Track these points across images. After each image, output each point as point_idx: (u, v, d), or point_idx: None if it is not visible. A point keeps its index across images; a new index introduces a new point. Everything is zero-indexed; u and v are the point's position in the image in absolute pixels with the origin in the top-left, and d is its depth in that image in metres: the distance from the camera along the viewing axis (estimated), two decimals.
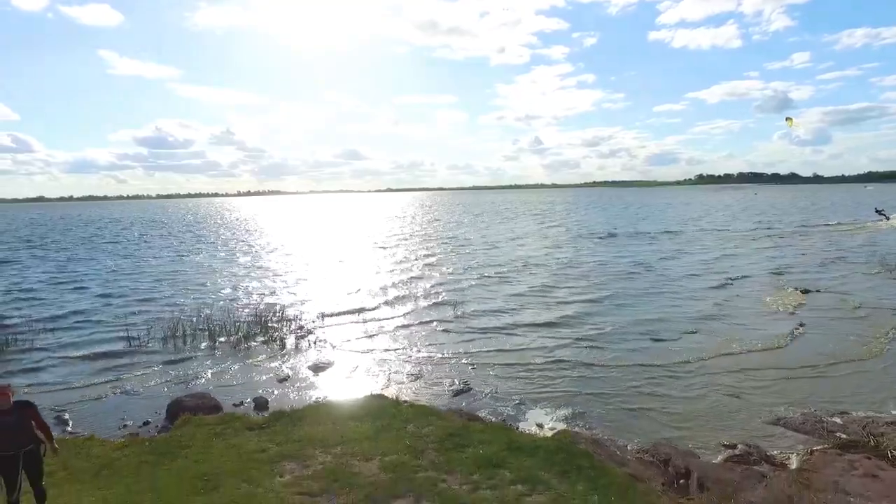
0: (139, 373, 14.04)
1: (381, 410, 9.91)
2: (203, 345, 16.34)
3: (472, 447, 8.37)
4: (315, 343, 16.39)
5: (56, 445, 6.56)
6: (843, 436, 9.64)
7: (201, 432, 9.04)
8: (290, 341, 16.55)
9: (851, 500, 7.30)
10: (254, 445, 8.54)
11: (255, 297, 23.29)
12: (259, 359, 15.02)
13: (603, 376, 12.69)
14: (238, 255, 40.08)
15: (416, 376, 13.25)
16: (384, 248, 42.40)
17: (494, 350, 14.93)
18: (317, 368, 14.02)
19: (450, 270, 28.91)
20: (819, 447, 9.13)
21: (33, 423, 6.22)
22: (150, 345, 16.46)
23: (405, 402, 10.61)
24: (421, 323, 18.21)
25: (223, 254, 40.90)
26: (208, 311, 19.14)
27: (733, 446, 9.35)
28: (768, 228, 50.47)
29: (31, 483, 6.16)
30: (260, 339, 16.74)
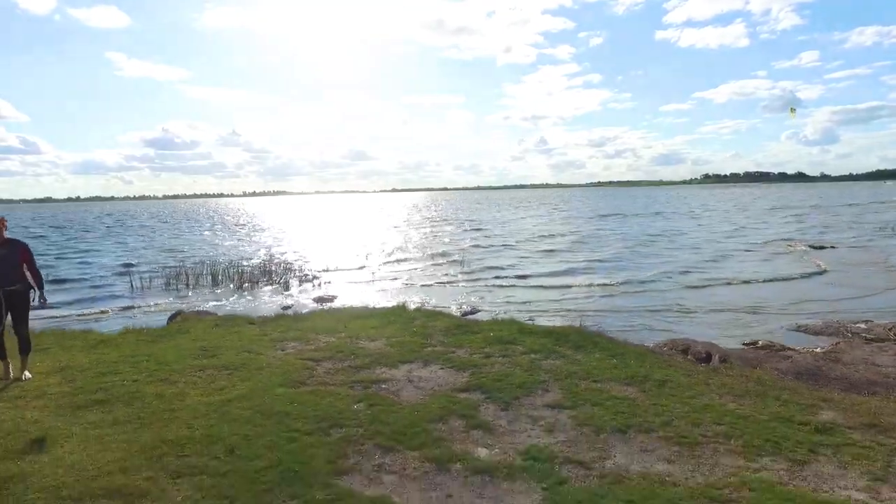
0: (141, 304, 13.82)
1: (387, 311, 9.61)
2: (206, 286, 16.12)
3: (482, 333, 8.04)
4: (320, 285, 16.13)
5: (46, 297, 6.26)
6: (868, 336, 9.24)
7: (202, 324, 8.77)
8: (295, 283, 16.29)
9: (883, 369, 6.92)
10: (256, 332, 8.24)
11: (261, 254, 23.13)
12: (262, 295, 14.76)
13: (622, 307, 12.27)
14: (249, 234, 39.94)
15: (423, 304, 12.94)
16: (409, 228, 41.86)
17: (508, 295, 14.40)
18: (321, 300, 13.72)
19: (466, 240, 28.56)
20: (844, 341, 8.74)
21: (25, 265, 5.95)
22: (153, 285, 16.27)
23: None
24: (431, 272, 17.93)
25: (235, 233, 40.77)
26: (213, 263, 18.89)
27: (754, 342, 8.98)
28: (827, 208, 50.15)
29: (15, 326, 5.86)
30: (263, 281, 16.51)
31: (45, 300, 6.23)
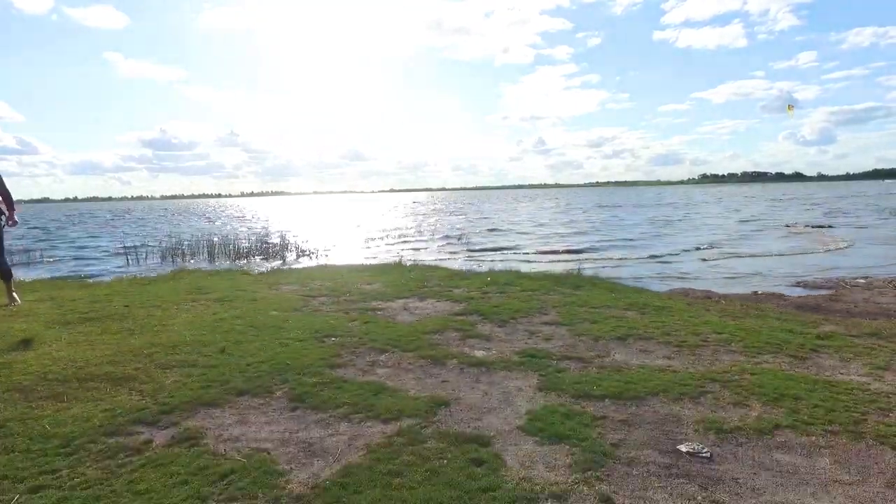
0: (137, 273, 13.70)
1: (384, 265, 9.54)
2: (203, 259, 16.01)
3: (479, 278, 7.97)
4: (317, 257, 16.04)
5: (16, 218, 5.98)
6: (868, 287, 9.17)
7: (198, 272, 8.70)
8: (291, 257, 16.20)
9: (884, 305, 6.85)
10: (251, 279, 8.17)
11: (260, 233, 23.06)
12: (257, 267, 14.63)
13: (628, 275, 12.11)
14: (248, 221, 39.82)
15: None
16: (415, 215, 41.69)
17: (512, 267, 14.13)
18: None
19: (472, 225, 28.46)
20: (845, 289, 8.67)
21: None
22: (150, 261, 16.16)
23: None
24: (435, 250, 17.87)
25: (235, 223, 40.64)
26: (209, 240, 18.76)
27: (755, 292, 8.90)
28: (834, 199, 50.02)
29: None
30: (259, 256, 16.41)
31: (15, 222, 5.93)
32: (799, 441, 2.77)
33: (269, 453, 2.74)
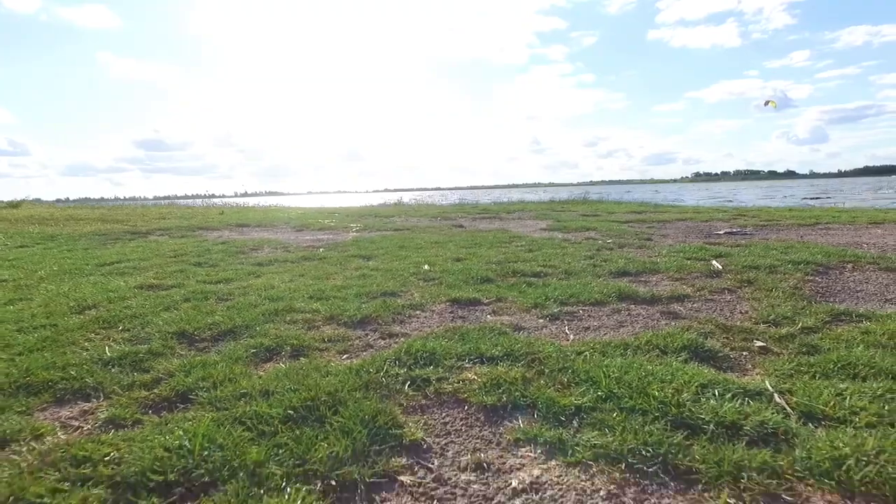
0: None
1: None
2: None
3: (482, 205, 7.78)
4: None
5: None
6: None
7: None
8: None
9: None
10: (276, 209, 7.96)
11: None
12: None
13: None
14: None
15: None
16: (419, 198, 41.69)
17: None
18: None
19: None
20: None
21: None
22: None
23: None
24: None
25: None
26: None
27: None
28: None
29: None
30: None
31: None
32: (844, 227, 2.60)
33: (272, 238, 2.55)
